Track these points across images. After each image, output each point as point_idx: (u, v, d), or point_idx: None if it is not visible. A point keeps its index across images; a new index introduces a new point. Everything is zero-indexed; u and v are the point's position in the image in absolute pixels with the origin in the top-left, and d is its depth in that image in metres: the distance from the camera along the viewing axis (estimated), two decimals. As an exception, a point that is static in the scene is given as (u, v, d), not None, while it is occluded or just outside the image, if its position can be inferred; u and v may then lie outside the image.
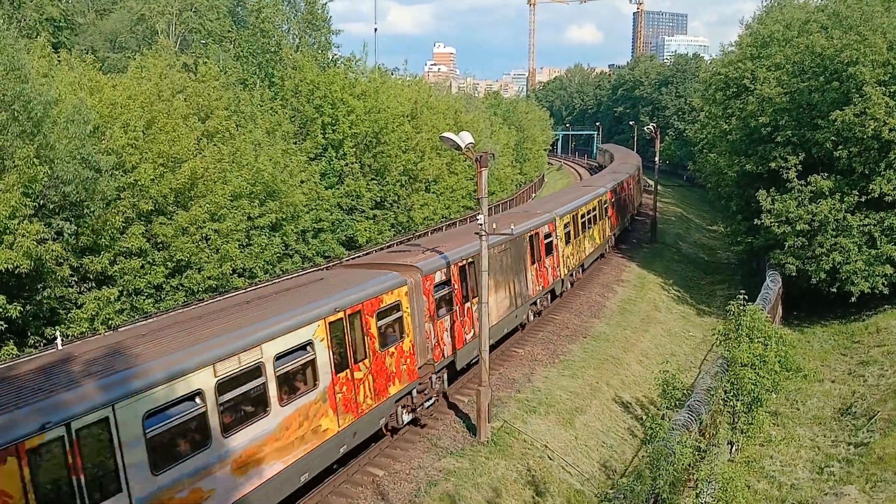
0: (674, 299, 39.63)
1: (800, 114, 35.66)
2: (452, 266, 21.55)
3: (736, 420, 21.25)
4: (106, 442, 11.05)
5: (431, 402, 20.58)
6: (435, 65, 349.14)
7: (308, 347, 15.29)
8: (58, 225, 21.44)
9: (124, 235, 25.09)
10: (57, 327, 20.63)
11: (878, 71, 31.96)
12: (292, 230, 34.16)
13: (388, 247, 34.94)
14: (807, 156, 34.95)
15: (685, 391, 21.01)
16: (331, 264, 31.03)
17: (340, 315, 16.29)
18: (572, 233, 35.16)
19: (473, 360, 22.38)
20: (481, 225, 19.64)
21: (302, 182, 35.24)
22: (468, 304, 22.43)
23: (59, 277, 21.78)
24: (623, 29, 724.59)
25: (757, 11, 62.26)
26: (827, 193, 33.20)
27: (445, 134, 19.59)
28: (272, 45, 41.53)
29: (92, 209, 22.23)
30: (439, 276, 20.78)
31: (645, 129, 68.18)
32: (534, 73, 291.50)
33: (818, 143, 33.93)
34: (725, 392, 20.64)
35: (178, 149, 27.63)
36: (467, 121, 60.78)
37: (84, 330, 22.36)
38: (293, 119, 39.64)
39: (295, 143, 37.95)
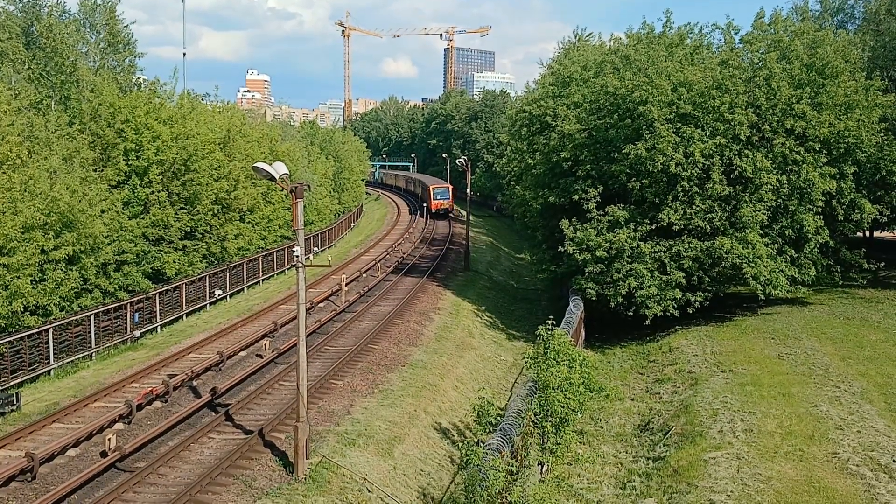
0: (486, 325, 40.99)
1: (597, 149, 38.37)
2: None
3: (546, 441, 22.21)
4: None
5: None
6: (248, 91, 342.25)
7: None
8: None
9: None
10: None
11: (665, 110, 35.10)
12: (92, 263, 32.01)
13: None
14: (604, 188, 37.58)
15: (498, 415, 21.70)
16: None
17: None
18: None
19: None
20: (297, 257, 19.35)
21: (103, 212, 33.08)
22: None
23: None
24: (436, 64, 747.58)
25: (557, 52, 66.73)
26: (622, 223, 35.77)
27: (258, 164, 19.13)
28: (67, 66, 38.78)
29: None
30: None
31: (457, 161, 70.46)
32: (350, 104, 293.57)
33: (614, 175, 36.62)
34: (535, 414, 21.54)
35: (-40, 178, 25.13)
36: (283, 150, 59.90)
37: None
38: (93, 145, 37.16)
39: (95, 171, 35.59)
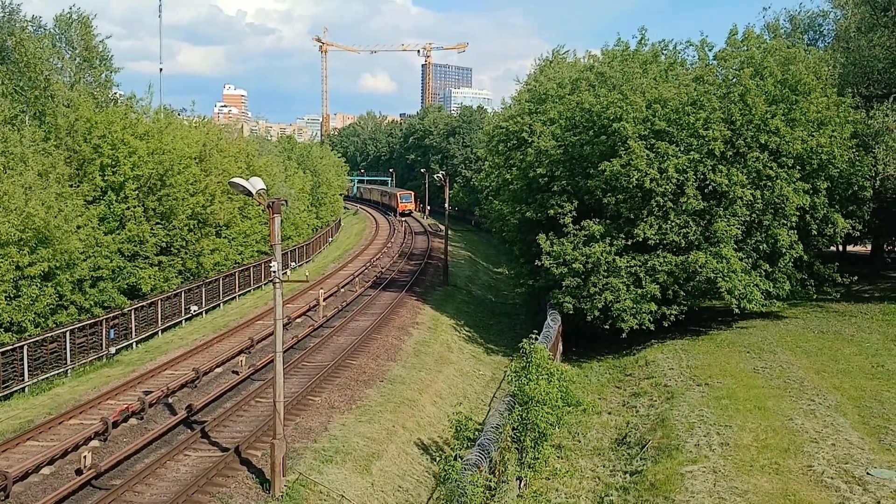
0: (465, 340, 41.00)
1: (573, 165, 38.65)
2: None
3: (524, 456, 22.24)
4: None
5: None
6: (225, 106, 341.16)
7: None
8: None
9: None
10: None
11: (639, 127, 35.46)
12: (67, 279, 31.70)
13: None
14: (580, 203, 37.84)
15: (475, 430, 21.70)
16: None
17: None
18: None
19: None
20: (274, 272, 19.30)
21: (78, 227, 32.82)
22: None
23: None
24: (414, 79, 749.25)
25: (533, 69, 67.30)
26: (598, 237, 36.02)
27: (234, 179, 19.10)
28: (41, 81, 38.50)
29: None
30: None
31: (435, 176, 70.70)
32: (328, 119, 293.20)
33: (590, 191, 36.90)
34: (514, 429, 21.57)
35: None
36: (260, 164, 59.75)
37: None
38: (69, 160, 36.87)
39: (71, 186, 35.31)
